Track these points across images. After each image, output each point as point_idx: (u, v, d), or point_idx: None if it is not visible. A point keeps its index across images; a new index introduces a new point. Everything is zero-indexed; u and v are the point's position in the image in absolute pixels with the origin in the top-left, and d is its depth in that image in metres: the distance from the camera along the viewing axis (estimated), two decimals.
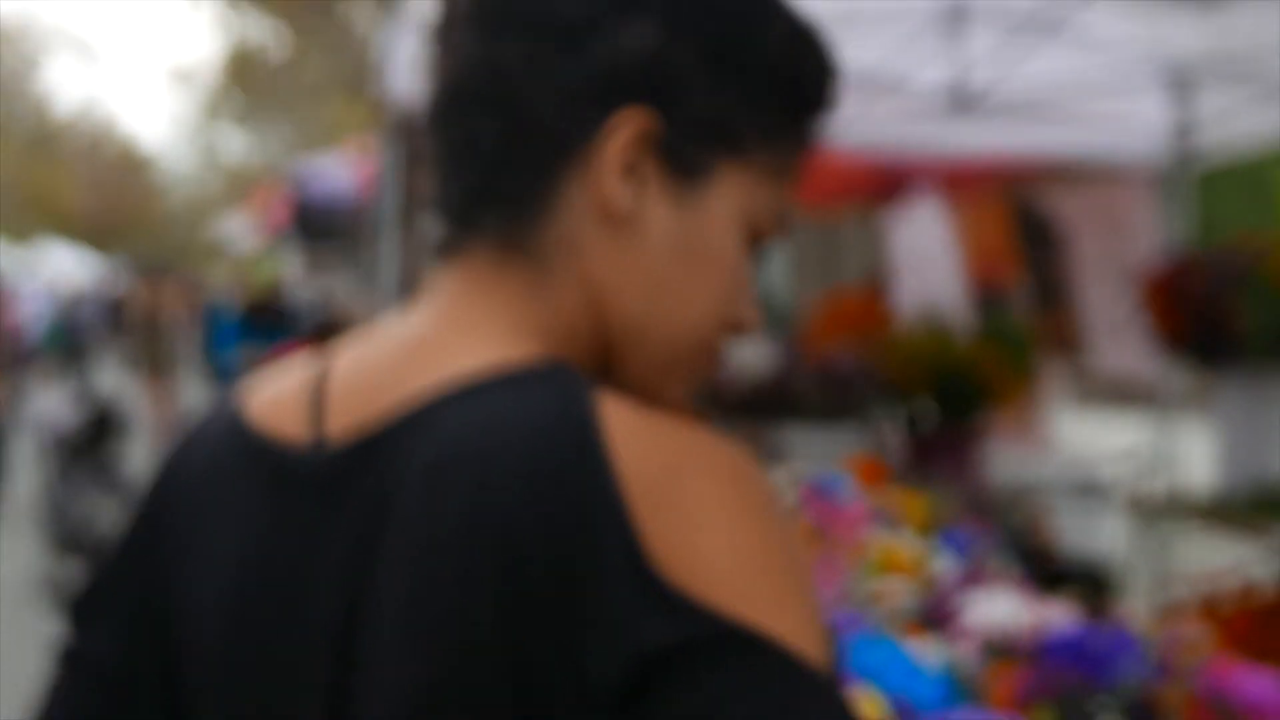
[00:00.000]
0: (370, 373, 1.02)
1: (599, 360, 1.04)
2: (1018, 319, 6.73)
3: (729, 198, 1.03)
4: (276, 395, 1.08)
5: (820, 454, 5.92)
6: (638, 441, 0.91)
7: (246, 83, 37.99)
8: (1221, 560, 5.07)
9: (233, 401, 1.10)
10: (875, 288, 8.82)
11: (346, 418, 1.01)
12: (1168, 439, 6.91)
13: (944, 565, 2.85)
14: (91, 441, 8.92)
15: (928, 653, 2.08)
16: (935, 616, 2.28)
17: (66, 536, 8.34)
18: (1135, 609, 2.23)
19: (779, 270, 18.71)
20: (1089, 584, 2.73)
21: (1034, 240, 8.43)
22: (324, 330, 9.50)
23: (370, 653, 0.95)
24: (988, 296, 8.60)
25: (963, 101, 5.89)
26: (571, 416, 0.91)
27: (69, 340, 21.52)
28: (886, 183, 9.13)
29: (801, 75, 1.06)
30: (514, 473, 0.90)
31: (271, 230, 16.20)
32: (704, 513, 0.89)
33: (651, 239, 1.01)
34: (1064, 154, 7.25)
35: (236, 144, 45.46)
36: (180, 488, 1.10)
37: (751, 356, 6.73)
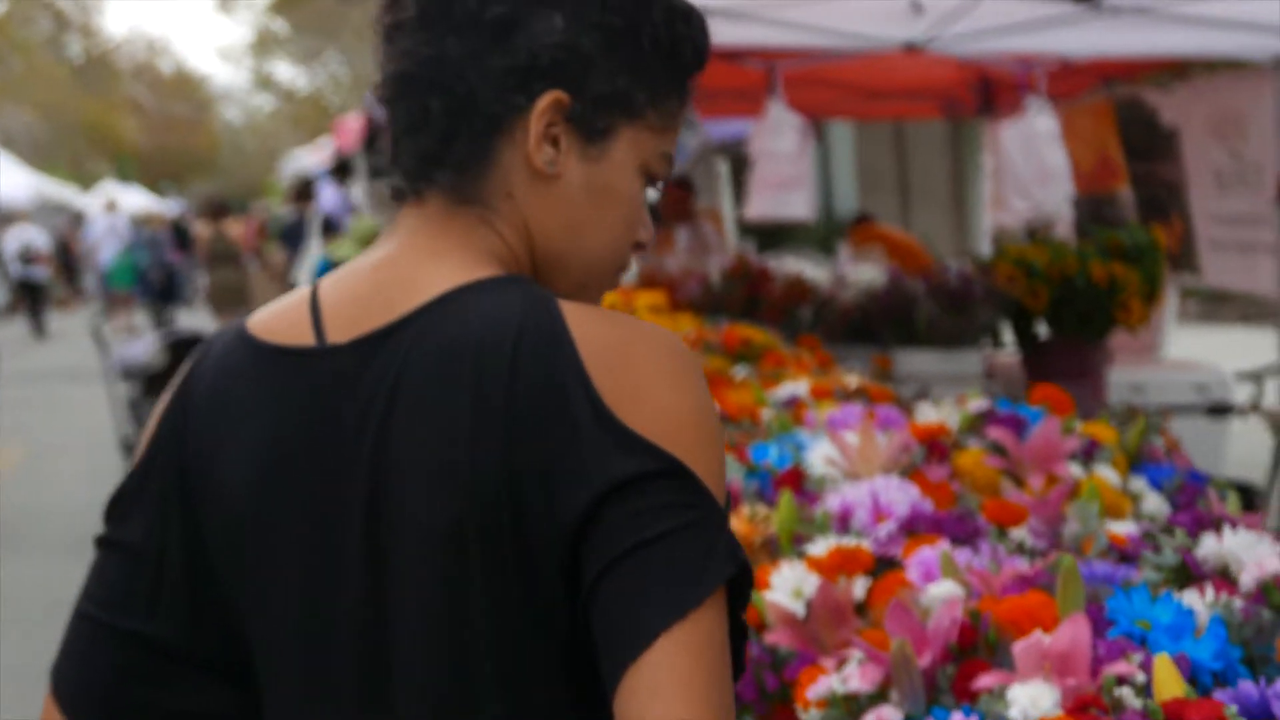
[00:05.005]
0: (358, 293, 1.31)
1: (537, 280, 1.35)
2: (1138, 229, 6.37)
3: (627, 150, 1.33)
4: (276, 315, 1.35)
5: (939, 378, 5.62)
6: (590, 326, 1.22)
7: (296, 14, 37.69)
8: None
9: (233, 327, 1.38)
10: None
11: (345, 326, 1.29)
12: None
13: (1154, 504, 2.58)
14: (168, 375, 8.70)
15: (1198, 607, 1.82)
16: (1184, 566, 2.01)
17: None
18: None
19: (845, 179, 18.35)
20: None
21: (1139, 146, 8.07)
22: None
23: (398, 497, 1.23)
24: (1093, 206, 8.26)
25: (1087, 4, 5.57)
26: (540, 309, 1.23)
27: (155, 276, 21.75)
28: (980, 88, 8.81)
29: (678, 48, 1.35)
30: (507, 351, 1.20)
31: (340, 153, 15.94)
32: (647, 377, 1.19)
33: (568, 188, 1.32)
34: (1180, 54, 6.89)
35: (289, 76, 45.17)
36: (197, 395, 1.34)
37: (854, 274, 6.43)
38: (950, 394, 4.81)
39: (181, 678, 1.34)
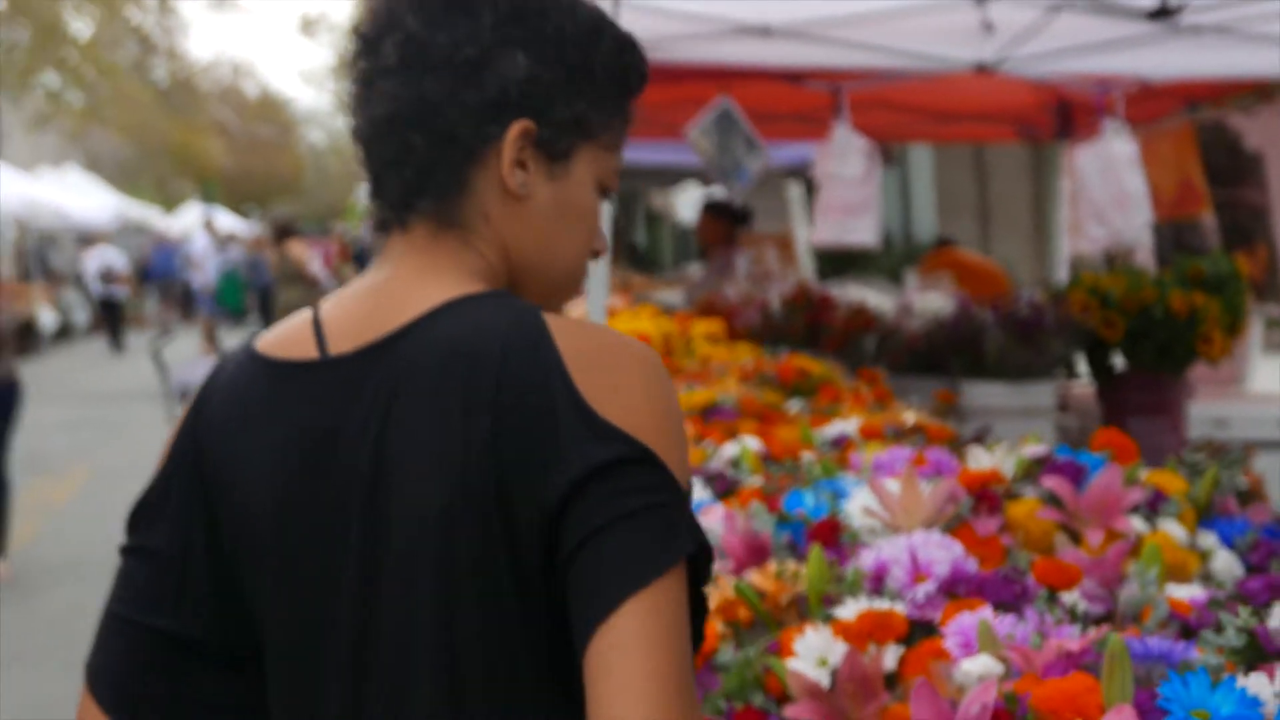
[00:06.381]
0: (356, 312, 1.45)
1: (511, 290, 1.50)
2: (1220, 257, 6.10)
3: (585, 169, 1.50)
4: (283, 334, 1.50)
5: (1009, 411, 5.39)
6: (570, 333, 1.37)
7: None
8: None
9: (243, 348, 1.53)
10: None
11: (346, 340, 1.44)
12: None
13: (1225, 562, 2.35)
14: None
15: (1265, 693, 1.60)
16: (1255, 641, 1.79)
17: None
18: None
19: (924, 203, 18.04)
20: None
21: (1222, 170, 7.78)
22: None
23: (396, 488, 1.36)
24: (1174, 233, 7.98)
25: (1164, 22, 5.33)
26: (525, 318, 1.38)
27: (256, 297, 22.45)
28: (1057, 110, 8.55)
29: (626, 76, 1.52)
30: (496, 355, 1.34)
31: None
32: (620, 379, 1.34)
33: (538, 206, 1.48)
34: (1264, 76, 6.61)
35: None
36: (213, 410, 1.49)
37: (920, 302, 6.21)
38: (1020, 428, 4.58)
39: (203, 669, 1.49)
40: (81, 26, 34.64)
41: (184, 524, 1.48)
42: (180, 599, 1.48)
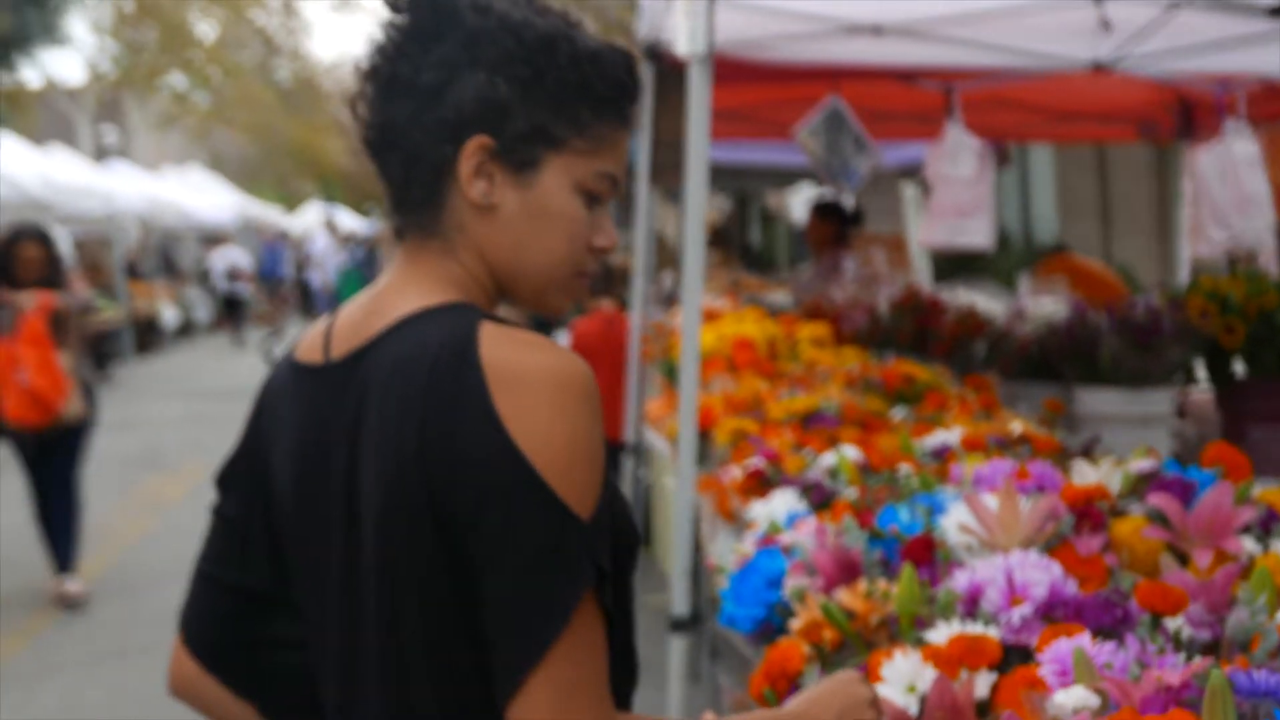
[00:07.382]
0: (357, 316, 1.64)
1: (499, 293, 1.67)
2: None
3: (557, 175, 1.60)
4: (309, 338, 1.71)
5: (1124, 418, 5.24)
6: (500, 349, 1.48)
7: None
8: None
9: (291, 347, 1.76)
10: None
11: (344, 344, 1.63)
12: None
13: None
14: None
15: None
16: None
17: None
18: None
19: (1045, 204, 17.74)
20: None
21: None
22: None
23: (359, 485, 1.56)
24: None
25: None
26: (460, 336, 1.50)
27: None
28: (1179, 109, 8.34)
29: (588, 85, 1.60)
30: (426, 368, 1.49)
31: None
32: (535, 397, 1.45)
33: (508, 214, 1.61)
34: None
35: None
36: (267, 400, 1.74)
37: (1034, 306, 6.06)
38: (1136, 436, 4.44)
39: (271, 614, 1.74)
40: (207, 28, 35.27)
41: (247, 496, 1.74)
42: (246, 558, 1.74)
